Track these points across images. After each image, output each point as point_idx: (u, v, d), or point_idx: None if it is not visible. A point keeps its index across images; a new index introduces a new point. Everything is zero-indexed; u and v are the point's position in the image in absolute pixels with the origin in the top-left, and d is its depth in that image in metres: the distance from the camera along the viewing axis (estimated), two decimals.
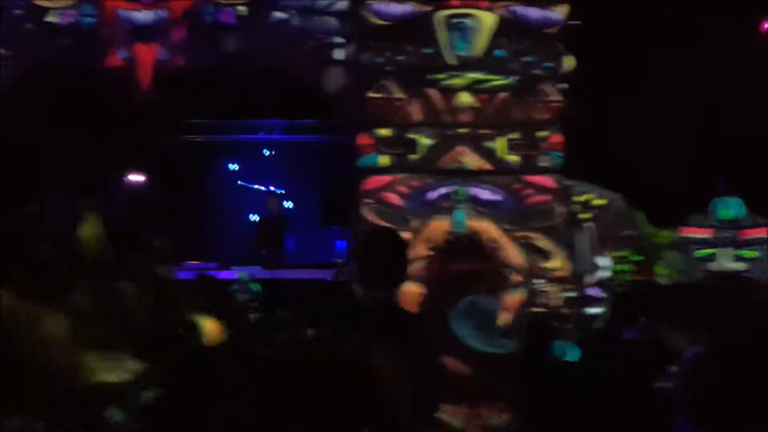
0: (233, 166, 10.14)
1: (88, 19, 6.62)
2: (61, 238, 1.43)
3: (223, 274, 6.92)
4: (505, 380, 2.53)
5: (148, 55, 6.62)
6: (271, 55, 6.69)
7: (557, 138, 6.41)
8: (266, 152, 9.39)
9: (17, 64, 6.70)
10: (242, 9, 6.61)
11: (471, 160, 6.39)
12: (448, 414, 2.16)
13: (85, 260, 1.32)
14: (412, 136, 6.43)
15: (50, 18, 6.61)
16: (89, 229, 1.33)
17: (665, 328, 3.08)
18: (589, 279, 6.28)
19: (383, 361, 1.83)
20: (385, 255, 2.75)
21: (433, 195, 6.35)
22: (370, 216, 6.33)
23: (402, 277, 2.96)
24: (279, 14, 6.62)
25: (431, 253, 6.14)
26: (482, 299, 2.55)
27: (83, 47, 6.70)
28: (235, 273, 6.85)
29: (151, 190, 9.37)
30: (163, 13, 6.62)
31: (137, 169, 9.58)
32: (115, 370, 1.22)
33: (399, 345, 2.40)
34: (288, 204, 9.04)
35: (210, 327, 1.52)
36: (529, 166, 6.39)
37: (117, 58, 6.61)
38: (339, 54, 6.59)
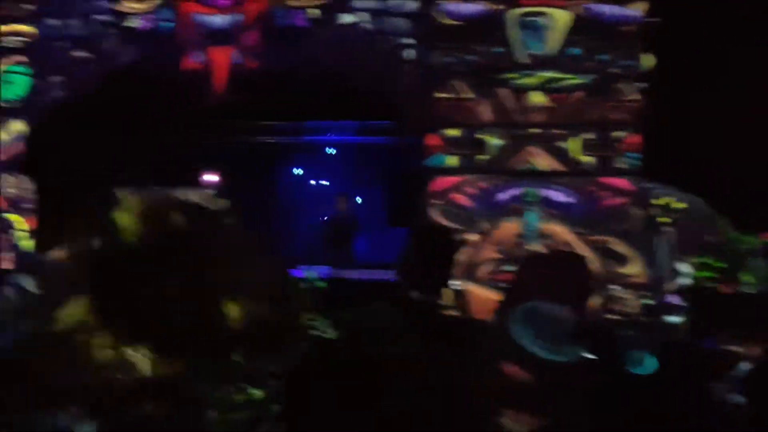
0: (302, 167, 10.26)
1: (166, 24, 6.82)
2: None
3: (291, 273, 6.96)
4: (572, 389, 2.41)
5: (222, 58, 6.76)
6: (342, 56, 6.71)
7: (634, 138, 6.18)
8: (330, 150, 9.43)
9: (99, 68, 6.97)
10: (314, 12, 6.67)
11: (543, 161, 6.23)
12: (510, 420, 2.09)
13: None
14: (481, 136, 6.33)
15: (131, 23, 6.85)
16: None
17: (748, 338, 2.89)
18: (668, 286, 6.01)
19: (425, 362, 1.77)
20: (431, 254, 2.66)
21: (502, 196, 6.23)
22: (438, 217, 6.26)
23: (447, 278, 2.86)
24: (350, 16, 6.65)
25: (500, 256, 6.02)
26: (546, 304, 2.43)
27: (161, 51, 6.91)
28: (303, 272, 6.89)
29: (223, 191, 9.56)
30: (237, 17, 6.75)
31: (210, 170, 9.80)
32: (155, 365, 1.20)
33: (450, 348, 2.33)
34: (357, 204, 9.05)
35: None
36: (604, 167, 6.19)
37: (193, 61, 6.79)
38: (409, 55, 6.55)
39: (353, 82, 6.89)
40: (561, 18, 6.31)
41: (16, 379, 1.32)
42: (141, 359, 1.21)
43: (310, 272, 6.76)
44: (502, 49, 6.37)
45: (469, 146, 6.31)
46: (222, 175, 9.71)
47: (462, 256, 6.12)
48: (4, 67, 7.02)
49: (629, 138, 6.17)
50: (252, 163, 9.55)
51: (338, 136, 8.77)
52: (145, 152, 8.62)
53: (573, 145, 6.22)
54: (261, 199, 9.59)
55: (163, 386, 1.21)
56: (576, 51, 6.30)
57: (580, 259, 3.28)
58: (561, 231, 6.10)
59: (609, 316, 5.91)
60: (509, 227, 6.13)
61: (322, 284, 6.43)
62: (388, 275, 6.93)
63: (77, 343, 1.22)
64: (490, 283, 5.89)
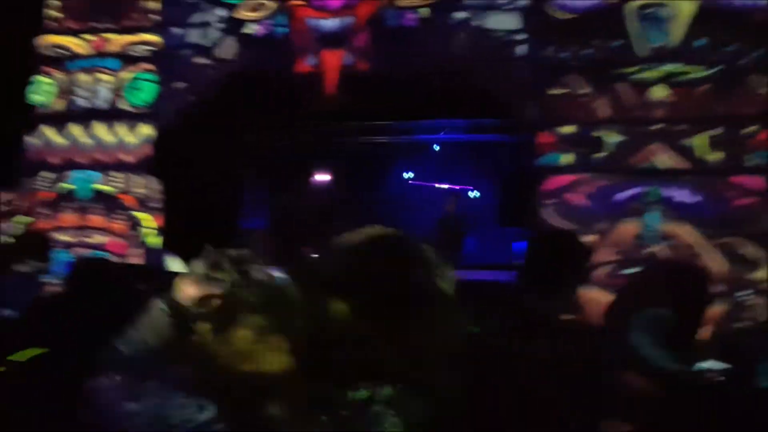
0: (412, 167, 10.28)
1: (281, 29, 7.02)
2: None
3: None
4: (692, 402, 2.27)
5: (334, 61, 6.88)
6: (453, 54, 6.66)
7: (766, 135, 5.75)
8: (441, 150, 9.36)
9: (218, 74, 7.26)
10: (424, 11, 6.66)
11: (665, 158, 5.92)
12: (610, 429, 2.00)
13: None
14: (598, 133, 6.10)
15: (247, 30, 7.09)
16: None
17: None
18: None
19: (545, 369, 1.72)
20: (559, 259, 2.56)
21: (621, 196, 5.97)
22: (551, 217, 6.10)
23: (577, 284, 2.76)
24: (460, 14, 6.59)
25: (618, 258, 5.78)
26: (666, 311, 2.29)
27: (276, 55, 7.11)
28: None
29: (336, 189, 9.76)
30: (348, 20, 6.85)
31: (323, 170, 10.02)
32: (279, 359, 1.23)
33: (566, 353, 2.25)
34: (467, 204, 8.99)
35: None
36: (733, 165, 5.79)
37: (306, 64, 6.95)
38: (520, 51, 6.42)
39: (464, 79, 6.82)
40: (684, 8, 5.97)
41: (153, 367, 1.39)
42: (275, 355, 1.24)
43: None
44: (620, 43, 6.11)
45: (586, 144, 6.09)
46: (334, 175, 9.90)
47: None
48: (132, 75, 7.47)
49: (761, 134, 5.75)
50: (363, 163, 9.67)
51: (449, 135, 8.71)
52: (261, 153, 8.93)
53: (698, 142, 5.87)
54: (372, 199, 9.72)
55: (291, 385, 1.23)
56: (701, 42, 5.94)
57: (699, 268, 3.09)
58: (685, 232, 5.79)
59: (738, 324, 5.55)
60: (628, 228, 5.87)
61: None
62: (500, 276, 6.86)
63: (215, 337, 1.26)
64: (607, 286, 5.66)
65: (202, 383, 1.28)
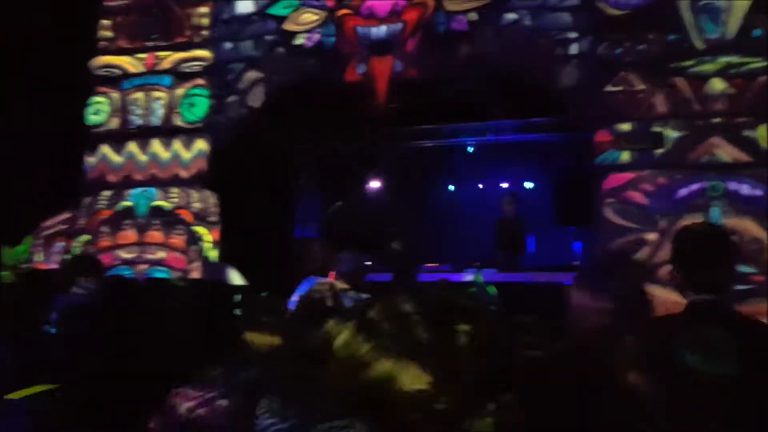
0: (468, 169, 10.22)
1: (330, 39, 7.07)
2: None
3: (458, 277, 6.99)
4: (738, 409, 2.22)
5: (384, 68, 6.91)
6: (505, 56, 6.64)
7: None
8: (497, 150, 9.29)
9: (271, 85, 7.35)
10: (473, 15, 6.66)
11: (727, 151, 5.82)
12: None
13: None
14: (657, 129, 6.01)
15: (298, 41, 7.16)
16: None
17: None
18: None
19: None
20: (711, 256, 2.46)
21: (683, 192, 5.87)
22: (613, 216, 6.03)
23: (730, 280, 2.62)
24: (510, 15, 6.57)
25: None
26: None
27: (326, 65, 7.17)
28: (470, 276, 6.88)
29: (389, 196, 9.78)
30: (397, 26, 6.87)
31: (377, 176, 10.03)
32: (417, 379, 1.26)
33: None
34: (526, 204, 8.92)
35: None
36: None
37: (356, 72, 6.98)
38: (574, 49, 6.37)
39: (518, 80, 6.79)
40: None
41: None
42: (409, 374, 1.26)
43: (478, 276, 6.76)
44: (675, 36, 6.03)
45: (645, 140, 6.01)
46: (387, 182, 9.91)
47: (641, 256, 5.86)
48: (185, 91, 7.60)
49: None
50: (417, 167, 9.67)
51: (505, 135, 8.65)
52: (313, 163, 9.00)
53: (761, 134, 5.76)
54: (427, 203, 9.71)
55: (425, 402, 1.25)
56: (759, 32, 5.83)
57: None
58: (750, 226, 5.67)
59: None
60: None
61: (492, 289, 6.40)
62: (559, 278, 6.80)
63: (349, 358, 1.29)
64: (672, 284, 5.58)
65: (347, 401, 1.31)
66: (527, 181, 9.98)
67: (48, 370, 3.06)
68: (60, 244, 7.57)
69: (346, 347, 1.34)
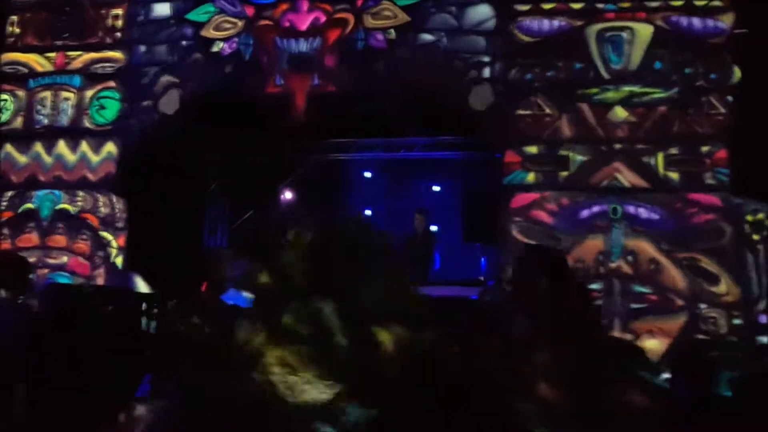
0: (380, 183, 10.32)
1: (248, 48, 7.03)
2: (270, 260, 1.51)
3: None
4: (655, 415, 2.37)
5: (302, 81, 6.92)
6: (420, 75, 6.77)
7: (723, 153, 6.01)
8: (408, 166, 9.42)
9: (185, 92, 7.22)
10: (392, 33, 6.77)
11: (627, 176, 6.13)
12: None
13: (291, 281, 1.38)
14: (563, 152, 6.28)
15: (215, 48, 7.09)
16: (295, 250, 1.38)
17: None
18: (761, 305, 5.81)
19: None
20: (545, 274, 2.64)
21: (585, 213, 6.15)
22: (518, 234, 6.23)
23: (561, 299, 2.83)
24: (427, 36, 6.72)
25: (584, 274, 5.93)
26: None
27: (243, 74, 7.12)
28: None
29: (300, 207, 9.75)
30: (316, 41, 6.90)
31: (289, 188, 9.99)
32: (319, 389, 1.28)
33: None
34: (433, 221, 9.08)
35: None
36: (692, 183, 6.03)
37: (274, 84, 6.97)
38: (486, 72, 6.57)
39: (431, 100, 6.93)
40: (643, 32, 6.23)
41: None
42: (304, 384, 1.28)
43: None
44: (582, 65, 6.32)
45: (551, 162, 6.26)
46: (298, 193, 9.88)
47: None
48: (96, 93, 7.37)
49: (717, 153, 6.01)
50: (328, 179, 9.69)
51: (416, 152, 8.80)
52: (226, 171, 8.88)
53: (659, 161, 6.10)
54: (337, 215, 9.70)
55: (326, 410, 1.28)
56: (660, 65, 6.19)
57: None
58: (647, 247, 5.98)
59: (698, 336, 5.76)
60: (592, 244, 6.04)
61: None
62: (465, 292, 6.95)
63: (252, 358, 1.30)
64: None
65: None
66: (436, 197, 10.15)
67: None
68: None
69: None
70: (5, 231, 7.19)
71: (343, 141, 8.87)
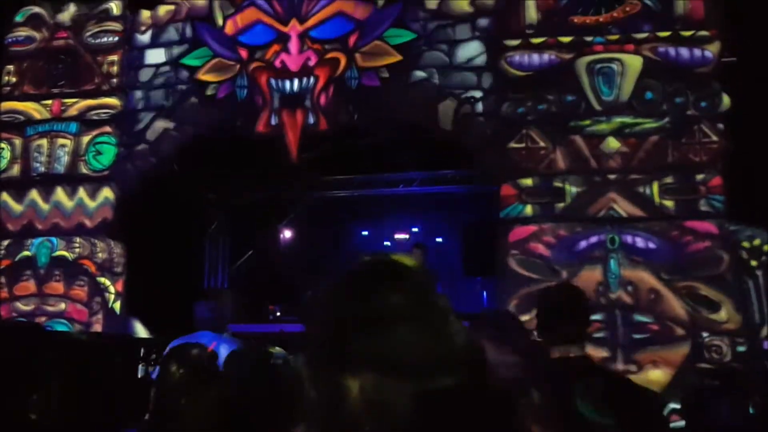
0: (378, 219, 10.35)
1: (243, 90, 7.10)
2: None
3: None
4: None
5: (295, 120, 6.97)
6: (413, 111, 6.82)
7: (717, 180, 6.02)
8: (406, 202, 9.44)
9: (181, 134, 7.28)
10: (384, 72, 6.84)
11: (623, 206, 6.14)
12: None
13: None
14: (558, 184, 6.29)
15: (210, 91, 7.16)
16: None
17: None
18: (763, 332, 5.77)
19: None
20: (565, 311, 2.61)
21: (583, 244, 6.13)
22: (517, 267, 6.21)
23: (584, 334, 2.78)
24: (420, 73, 6.79)
25: None
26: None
27: (238, 116, 7.18)
28: None
29: (301, 245, 9.75)
30: (309, 81, 6.97)
31: (288, 225, 10.01)
32: None
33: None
34: (434, 255, 9.09)
35: None
36: (687, 211, 6.03)
37: (268, 124, 7.01)
38: (479, 107, 6.62)
39: (424, 134, 6.97)
40: (632, 63, 6.29)
41: None
42: None
43: None
44: (573, 97, 6.37)
45: (546, 194, 6.27)
46: (296, 231, 9.90)
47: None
48: (92, 138, 7.42)
49: (712, 180, 6.02)
50: (326, 216, 9.71)
51: (413, 188, 8.84)
52: (224, 211, 8.91)
53: (654, 190, 6.11)
54: (336, 252, 9.71)
55: None
56: (650, 95, 6.24)
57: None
58: (646, 277, 5.96)
59: (701, 365, 5.71)
60: (591, 275, 6.02)
61: None
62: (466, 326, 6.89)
63: None
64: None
65: None
66: (436, 232, 10.17)
67: None
68: None
69: None
70: (2, 280, 7.17)
71: (341, 178, 8.92)
